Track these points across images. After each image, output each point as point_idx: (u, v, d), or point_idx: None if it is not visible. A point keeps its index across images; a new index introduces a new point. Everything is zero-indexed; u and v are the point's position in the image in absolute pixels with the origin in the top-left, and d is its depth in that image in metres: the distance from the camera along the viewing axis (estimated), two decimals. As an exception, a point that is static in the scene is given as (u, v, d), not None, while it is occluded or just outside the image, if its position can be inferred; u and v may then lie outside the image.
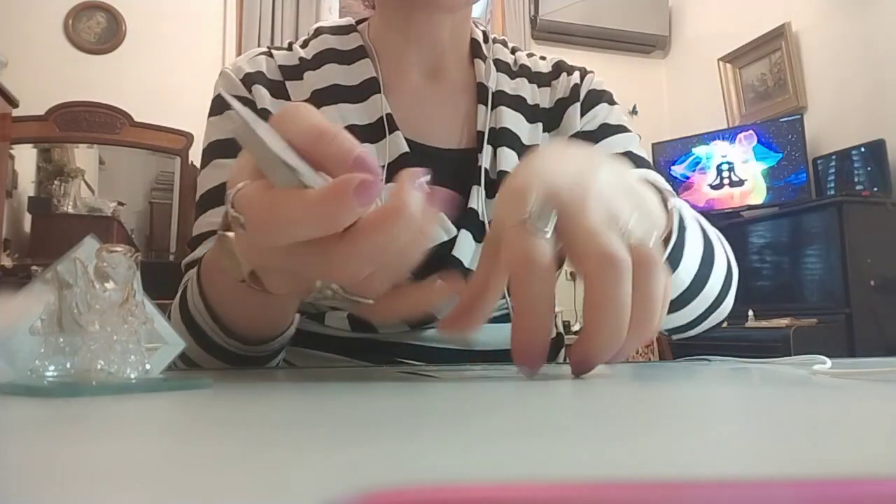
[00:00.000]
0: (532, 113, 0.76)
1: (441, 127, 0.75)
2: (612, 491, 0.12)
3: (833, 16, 3.13)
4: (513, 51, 0.83)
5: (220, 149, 0.71)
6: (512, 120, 0.74)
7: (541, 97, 0.78)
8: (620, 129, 0.78)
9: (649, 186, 0.49)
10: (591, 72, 0.82)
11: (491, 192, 0.70)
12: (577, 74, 0.80)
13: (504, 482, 0.12)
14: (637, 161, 0.74)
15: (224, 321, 0.54)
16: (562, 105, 0.78)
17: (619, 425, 0.27)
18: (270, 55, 0.75)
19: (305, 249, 0.33)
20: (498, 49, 0.81)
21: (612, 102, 0.80)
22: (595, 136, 0.76)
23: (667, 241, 0.49)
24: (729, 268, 0.61)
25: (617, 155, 0.72)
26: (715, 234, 0.60)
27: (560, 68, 0.81)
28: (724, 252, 0.60)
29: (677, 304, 0.55)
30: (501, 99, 0.75)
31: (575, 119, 0.77)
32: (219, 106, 0.73)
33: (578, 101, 0.78)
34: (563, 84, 0.79)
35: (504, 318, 0.72)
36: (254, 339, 0.56)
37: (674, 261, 0.50)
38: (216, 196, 0.69)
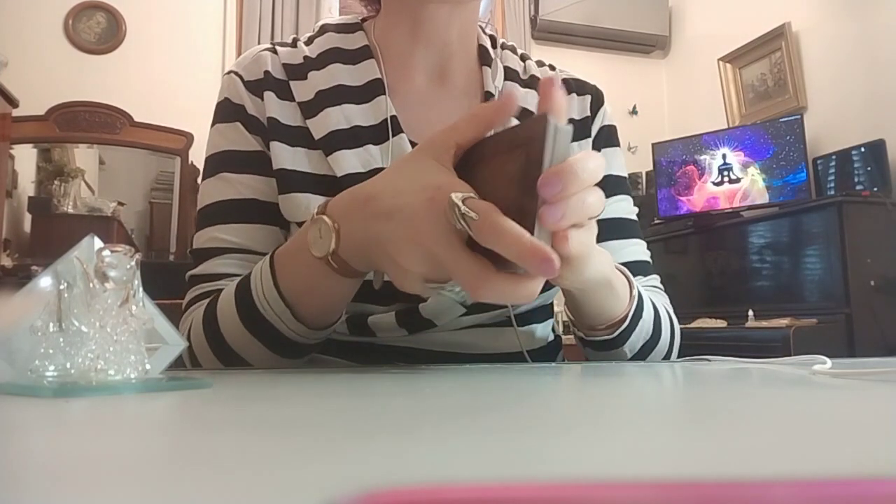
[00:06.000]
0: None
1: None
2: (612, 491, 0.12)
3: (833, 16, 3.12)
4: (522, 58, 0.82)
5: (227, 161, 0.70)
6: None
7: None
8: (622, 186, 0.80)
9: (620, 275, 0.62)
10: (602, 96, 0.82)
11: None
12: (588, 100, 0.81)
13: (504, 482, 0.12)
14: (630, 228, 0.79)
15: (295, 306, 0.58)
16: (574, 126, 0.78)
17: (618, 425, 0.27)
18: (274, 51, 0.74)
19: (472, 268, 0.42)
20: (507, 55, 0.81)
21: (617, 142, 0.82)
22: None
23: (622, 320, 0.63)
24: (671, 341, 0.72)
25: (611, 221, 0.76)
26: (664, 311, 0.72)
27: (570, 87, 0.81)
28: (669, 327, 0.72)
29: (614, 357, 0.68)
30: None
31: (585, 147, 0.77)
32: (224, 111, 0.72)
33: (590, 136, 0.79)
34: (576, 106, 0.80)
35: (502, 323, 0.71)
36: (317, 323, 0.59)
37: (624, 336, 0.64)
38: (222, 210, 0.69)
